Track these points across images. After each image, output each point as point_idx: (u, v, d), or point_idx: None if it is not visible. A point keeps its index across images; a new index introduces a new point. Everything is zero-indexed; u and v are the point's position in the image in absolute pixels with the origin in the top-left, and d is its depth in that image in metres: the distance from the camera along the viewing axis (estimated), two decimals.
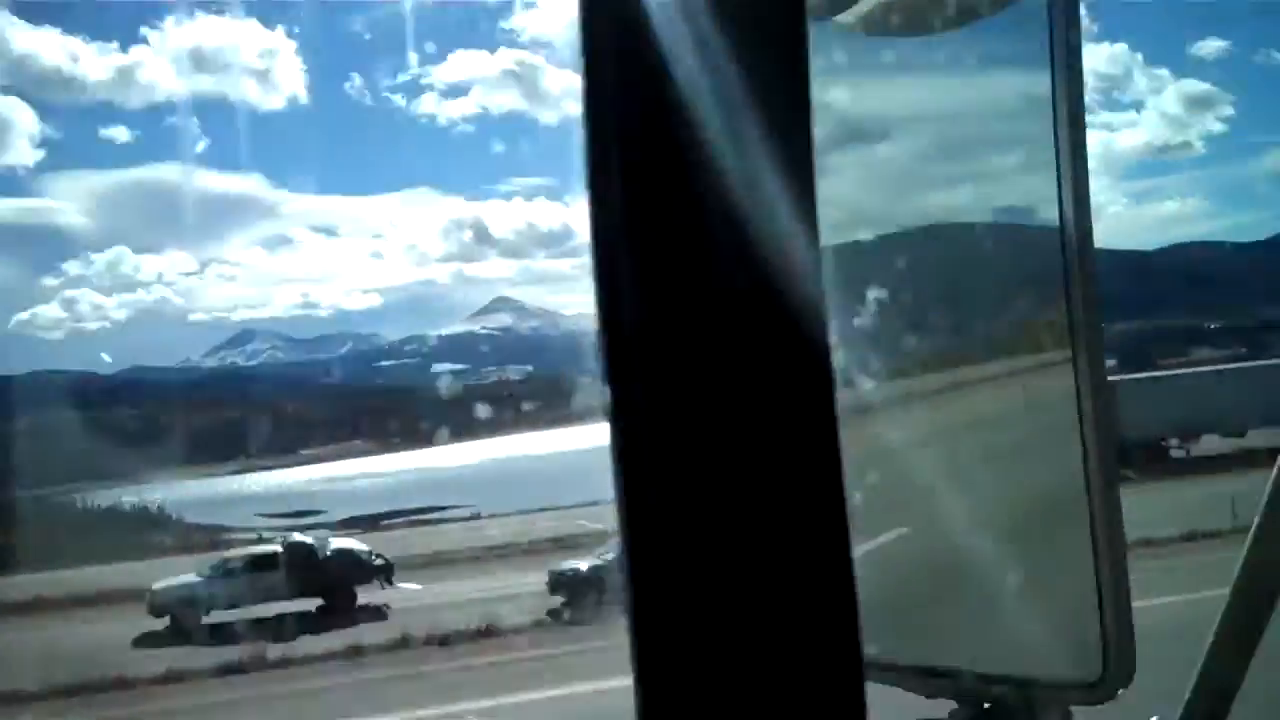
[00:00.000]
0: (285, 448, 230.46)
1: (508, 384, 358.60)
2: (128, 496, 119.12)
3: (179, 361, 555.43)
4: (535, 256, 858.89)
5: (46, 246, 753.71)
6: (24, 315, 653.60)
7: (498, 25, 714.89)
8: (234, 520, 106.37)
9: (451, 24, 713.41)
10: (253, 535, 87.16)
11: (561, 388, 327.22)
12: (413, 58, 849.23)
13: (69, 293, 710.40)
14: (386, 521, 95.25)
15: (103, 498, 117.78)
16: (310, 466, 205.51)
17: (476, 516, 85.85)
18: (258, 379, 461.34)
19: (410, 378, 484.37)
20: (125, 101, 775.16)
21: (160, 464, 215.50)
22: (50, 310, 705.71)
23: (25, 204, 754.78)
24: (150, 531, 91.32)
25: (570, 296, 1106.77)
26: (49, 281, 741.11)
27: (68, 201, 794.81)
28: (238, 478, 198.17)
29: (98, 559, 54.08)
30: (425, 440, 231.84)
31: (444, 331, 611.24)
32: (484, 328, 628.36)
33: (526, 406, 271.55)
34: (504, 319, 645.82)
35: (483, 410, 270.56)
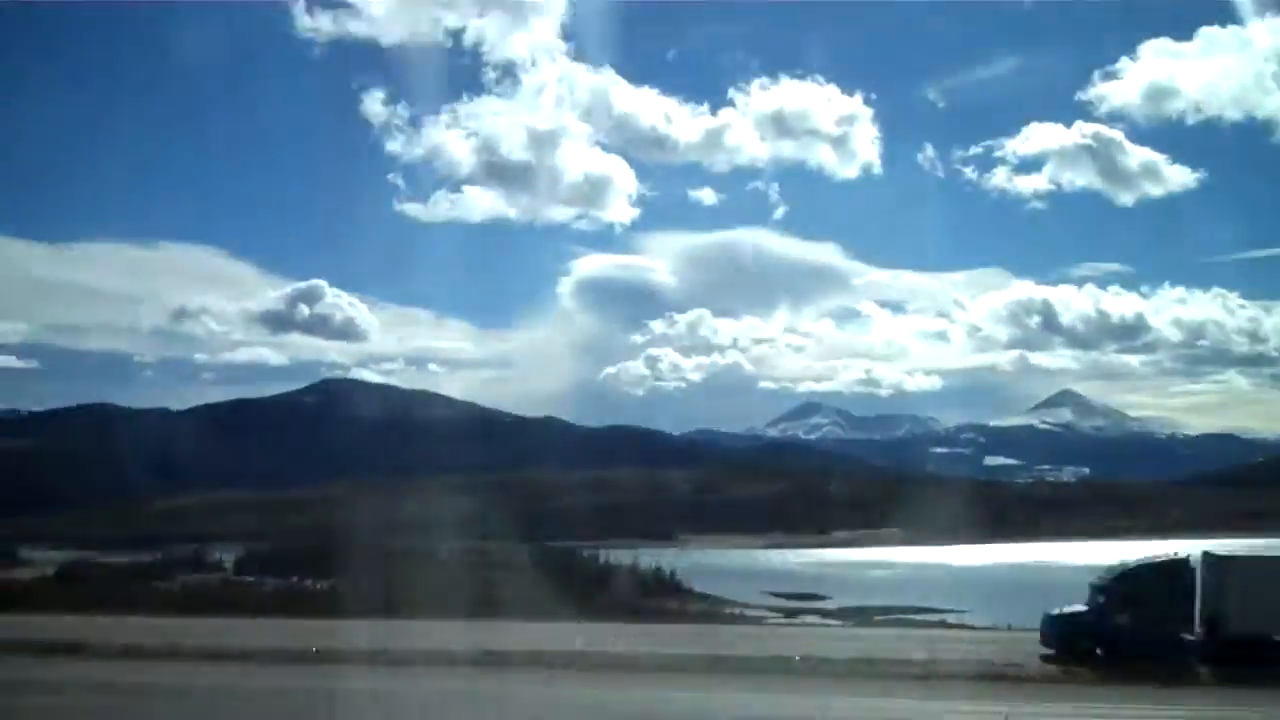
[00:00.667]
0: (821, 527, 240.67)
1: (1059, 486, 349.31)
2: (647, 557, 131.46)
3: (745, 428, 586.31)
4: (1104, 349, 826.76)
5: (637, 303, 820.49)
6: (612, 369, 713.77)
7: (1074, 96, 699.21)
8: (737, 594, 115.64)
9: (1026, 93, 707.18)
10: (736, 612, 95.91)
11: (1117, 495, 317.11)
12: (987, 129, 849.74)
13: (653, 350, 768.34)
14: (877, 616, 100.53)
15: (620, 555, 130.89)
16: (840, 550, 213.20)
17: (946, 624, 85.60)
18: (814, 453, 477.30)
19: (960, 467, 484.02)
20: (712, 164, 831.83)
21: (696, 529, 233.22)
22: (636, 366, 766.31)
23: (622, 260, 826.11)
24: (641, 596, 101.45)
25: (1139, 396, 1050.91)
26: (636, 338, 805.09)
27: (660, 259, 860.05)
28: (767, 552, 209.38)
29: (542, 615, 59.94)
30: (954, 535, 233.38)
31: (1002, 422, 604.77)
32: (1044, 422, 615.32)
33: (1072, 512, 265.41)
34: (1065, 415, 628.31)
35: (1024, 511, 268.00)
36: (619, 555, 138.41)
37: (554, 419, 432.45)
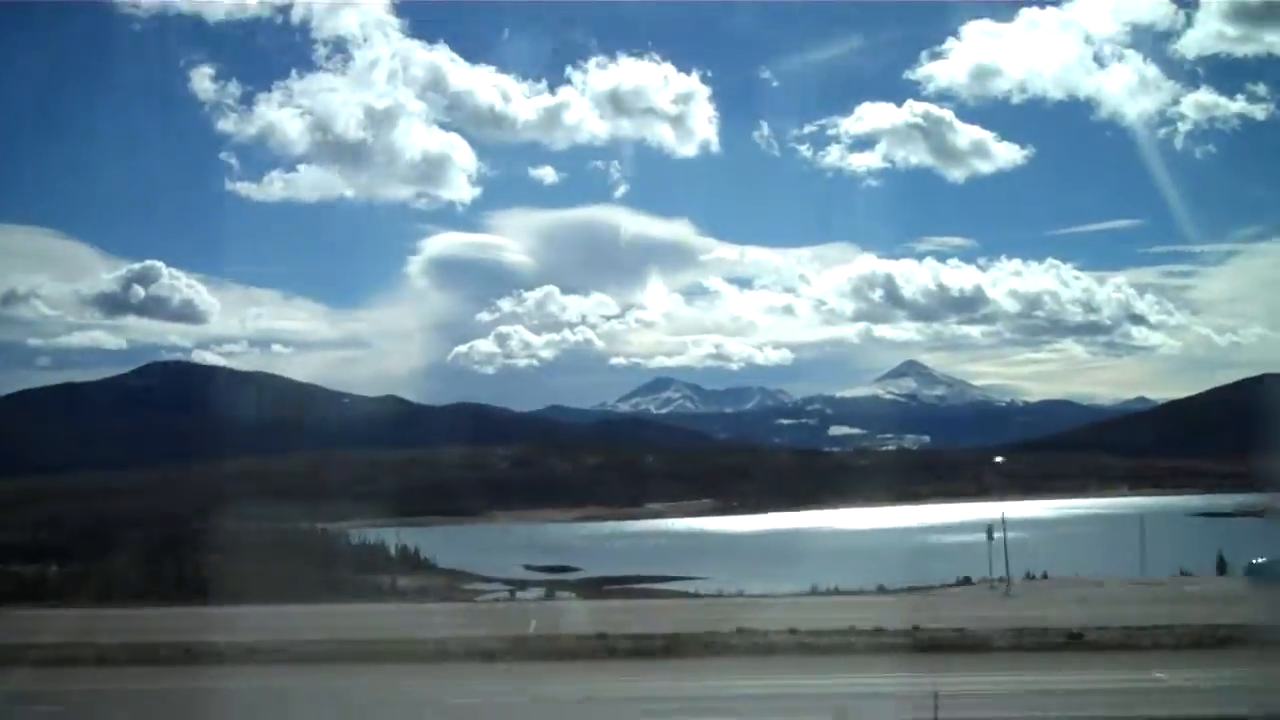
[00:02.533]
0: (634, 499, 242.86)
1: (899, 454, 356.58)
2: (431, 535, 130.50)
3: (596, 404, 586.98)
4: (945, 320, 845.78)
5: (487, 281, 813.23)
6: (463, 348, 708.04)
7: (903, 76, 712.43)
8: (495, 569, 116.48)
9: (857, 73, 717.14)
10: (473, 588, 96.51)
11: (954, 462, 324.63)
12: (820, 108, 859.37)
13: (503, 328, 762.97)
14: (610, 587, 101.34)
15: (389, 534, 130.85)
16: (647, 521, 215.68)
17: (696, 595, 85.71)
18: (659, 428, 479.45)
19: (806, 438, 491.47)
20: (551, 142, 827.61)
21: (511, 504, 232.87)
22: (486, 344, 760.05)
23: (472, 239, 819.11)
24: (399, 572, 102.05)
25: (982, 365, 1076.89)
26: (485, 316, 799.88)
27: (510, 237, 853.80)
28: (571, 525, 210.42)
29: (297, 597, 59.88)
30: (763, 505, 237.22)
31: (848, 393, 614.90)
32: (889, 392, 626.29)
33: (906, 479, 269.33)
34: (910, 384, 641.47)
35: (853, 479, 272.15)
36: (389, 534, 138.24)
37: (394, 398, 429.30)
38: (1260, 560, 50.01)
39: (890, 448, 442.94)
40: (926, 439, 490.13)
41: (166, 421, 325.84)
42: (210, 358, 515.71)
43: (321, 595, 70.78)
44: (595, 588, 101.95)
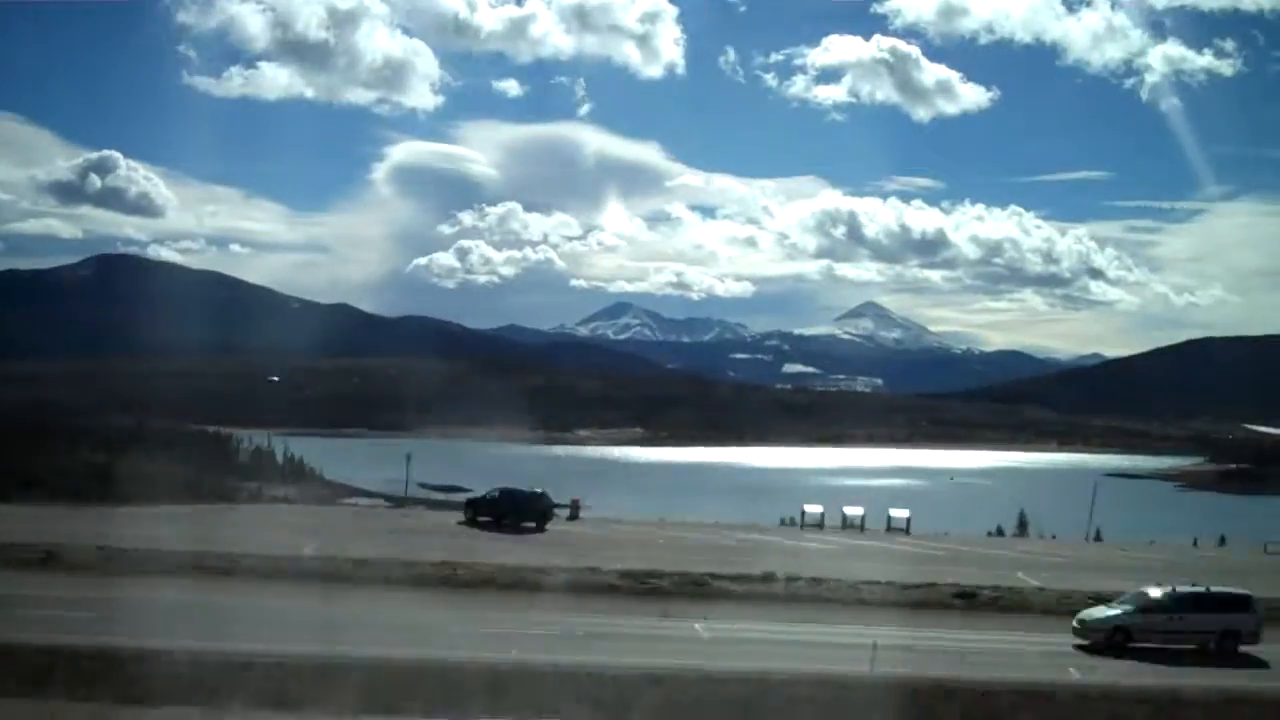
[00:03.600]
0: (568, 425, 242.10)
1: (837, 395, 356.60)
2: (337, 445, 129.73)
3: (555, 325, 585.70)
4: (907, 263, 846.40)
5: (449, 194, 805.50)
6: (423, 260, 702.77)
7: (870, 9, 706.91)
8: (381, 485, 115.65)
9: (823, 4, 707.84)
10: (349, 501, 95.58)
11: (891, 406, 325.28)
12: (787, 37, 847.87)
13: (464, 243, 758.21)
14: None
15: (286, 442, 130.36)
16: (574, 446, 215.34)
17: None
18: (616, 354, 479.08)
19: (760, 373, 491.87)
20: (516, 54, 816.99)
21: (443, 420, 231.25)
22: (446, 258, 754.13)
23: (437, 148, 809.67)
24: (279, 480, 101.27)
25: (942, 311, 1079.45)
26: (445, 229, 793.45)
27: (477, 150, 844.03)
28: (492, 445, 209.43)
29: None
30: (702, 439, 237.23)
31: (807, 331, 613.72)
32: (846, 332, 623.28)
33: (837, 421, 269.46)
34: (868, 325, 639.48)
35: (784, 418, 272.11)
36: (291, 443, 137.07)
37: (346, 306, 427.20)
38: None
39: (841, 388, 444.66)
40: (879, 382, 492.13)
41: (104, 315, 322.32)
42: (166, 254, 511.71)
43: (181, 498, 69.55)
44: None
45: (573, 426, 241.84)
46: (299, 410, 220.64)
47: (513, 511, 50.20)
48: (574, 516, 55.06)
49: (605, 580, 35.58)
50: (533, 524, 49.37)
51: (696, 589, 34.95)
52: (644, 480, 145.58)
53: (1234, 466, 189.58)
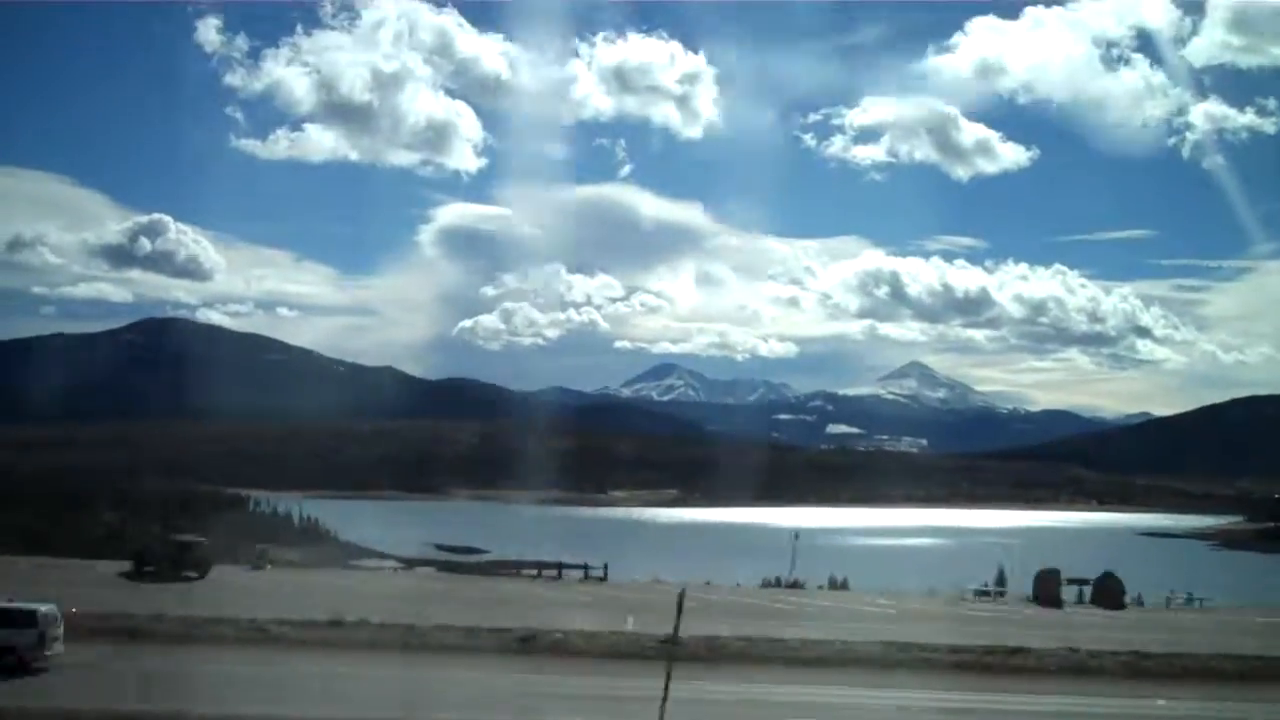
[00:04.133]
0: (600, 486, 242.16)
1: (878, 455, 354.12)
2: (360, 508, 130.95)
3: (598, 387, 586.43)
4: (950, 322, 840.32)
5: (493, 257, 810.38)
6: (468, 322, 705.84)
7: (908, 68, 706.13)
8: (398, 548, 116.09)
9: (862, 63, 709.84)
10: (356, 563, 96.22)
11: (931, 467, 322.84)
12: (825, 97, 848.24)
13: (509, 305, 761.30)
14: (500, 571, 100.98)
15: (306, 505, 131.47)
16: (605, 508, 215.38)
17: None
18: (658, 416, 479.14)
19: (804, 434, 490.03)
20: (558, 115, 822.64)
21: (473, 482, 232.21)
22: (491, 320, 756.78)
23: (483, 210, 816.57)
24: (293, 542, 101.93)
25: (988, 371, 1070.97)
26: (489, 291, 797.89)
27: (519, 212, 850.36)
28: (525, 507, 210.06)
29: None
30: (736, 499, 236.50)
31: (851, 391, 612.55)
32: (890, 392, 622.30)
33: (875, 481, 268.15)
34: (912, 385, 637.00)
35: (821, 478, 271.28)
36: (314, 506, 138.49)
37: (391, 369, 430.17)
38: None
39: (884, 449, 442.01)
40: (924, 442, 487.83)
41: (149, 379, 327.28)
42: (216, 317, 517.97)
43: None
44: (483, 570, 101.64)
45: (607, 488, 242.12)
46: (327, 472, 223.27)
47: (170, 561, 50.82)
48: (258, 567, 57.48)
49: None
50: (194, 574, 49.91)
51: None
52: (659, 539, 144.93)
53: (1271, 525, 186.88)
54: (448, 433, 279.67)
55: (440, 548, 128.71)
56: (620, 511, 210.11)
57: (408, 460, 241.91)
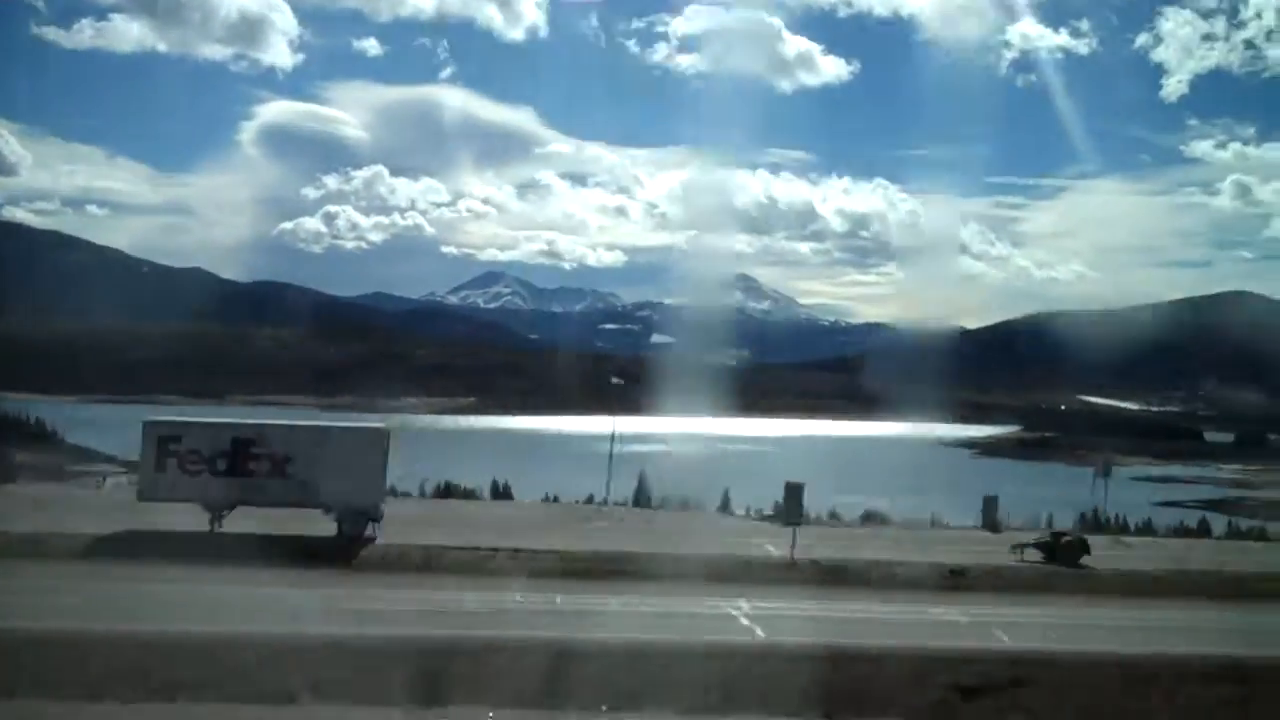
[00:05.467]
0: (390, 393, 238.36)
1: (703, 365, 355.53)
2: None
3: (424, 293, 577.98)
4: (776, 235, 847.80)
5: (316, 157, 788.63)
6: (289, 225, 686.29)
7: None
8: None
9: None
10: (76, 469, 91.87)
11: (757, 379, 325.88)
12: (649, 3, 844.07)
13: (331, 208, 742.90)
14: None
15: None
16: (391, 415, 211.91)
17: None
18: (481, 324, 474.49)
19: (628, 344, 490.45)
20: (376, 12, 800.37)
21: (259, 389, 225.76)
22: (313, 223, 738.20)
23: (306, 109, 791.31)
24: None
25: (814, 284, 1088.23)
26: (310, 192, 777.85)
27: (347, 111, 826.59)
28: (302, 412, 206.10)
29: None
30: (533, 408, 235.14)
31: (676, 301, 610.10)
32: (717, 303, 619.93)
33: (669, 389, 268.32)
34: (738, 296, 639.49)
35: (615, 387, 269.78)
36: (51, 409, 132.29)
37: (201, 270, 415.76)
38: None
39: (706, 359, 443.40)
40: (745, 353, 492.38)
41: None
42: (20, 214, 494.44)
43: None
44: None
45: (400, 395, 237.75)
46: (107, 376, 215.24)
47: None
48: None
49: None
50: None
51: None
52: (427, 445, 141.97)
53: (1039, 435, 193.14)
54: (245, 337, 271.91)
55: None
56: (402, 418, 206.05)
57: (196, 365, 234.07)
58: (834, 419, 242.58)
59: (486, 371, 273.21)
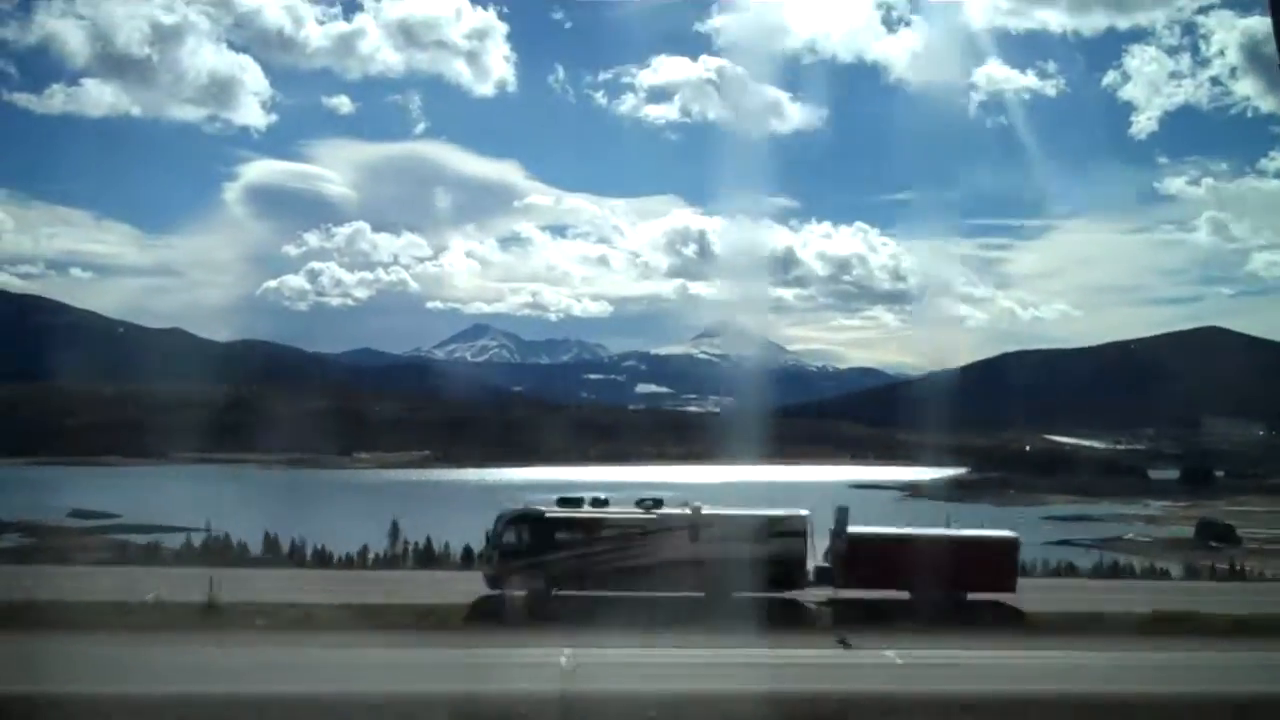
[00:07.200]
0: (345, 448, 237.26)
1: (648, 414, 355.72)
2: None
3: (410, 349, 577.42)
4: (755, 281, 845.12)
5: (293, 214, 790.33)
6: (273, 282, 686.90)
7: (693, 28, 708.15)
8: (32, 514, 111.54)
9: (649, 22, 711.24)
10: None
11: (741, 425, 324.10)
12: (615, 56, 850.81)
13: (315, 264, 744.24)
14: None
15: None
16: (335, 470, 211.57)
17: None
18: (463, 378, 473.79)
19: (613, 394, 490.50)
20: (345, 70, 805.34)
21: (204, 445, 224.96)
22: (297, 280, 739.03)
23: (282, 167, 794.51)
24: None
25: (801, 330, 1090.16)
26: (291, 250, 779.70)
27: (332, 170, 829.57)
28: (246, 470, 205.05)
29: None
30: (499, 460, 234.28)
31: (664, 350, 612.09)
32: (703, 351, 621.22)
33: (635, 438, 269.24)
34: (722, 344, 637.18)
35: (580, 437, 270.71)
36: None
37: (179, 330, 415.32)
38: None
39: (694, 408, 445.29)
40: (730, 400, 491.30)
41: None
42: (2, 278, 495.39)
43: None
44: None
45: (354, 450, 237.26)
46: (53, 438, 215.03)
47: None
48: None
49: None
50: None
51: None
52: (351, 500, 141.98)
53: (975, 476, 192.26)
54: (202, 396, 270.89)
55: (76, 513, 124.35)
56: (347, 474, 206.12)
57: (141, 424, 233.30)
58: (795, 464, 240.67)
59: (450, 426, 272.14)
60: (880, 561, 38.04)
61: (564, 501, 38.92)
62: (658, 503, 38.15)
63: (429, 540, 74.78)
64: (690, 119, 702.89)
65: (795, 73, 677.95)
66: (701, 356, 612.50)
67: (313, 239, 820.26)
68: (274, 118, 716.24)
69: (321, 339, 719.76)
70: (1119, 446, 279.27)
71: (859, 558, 38.11)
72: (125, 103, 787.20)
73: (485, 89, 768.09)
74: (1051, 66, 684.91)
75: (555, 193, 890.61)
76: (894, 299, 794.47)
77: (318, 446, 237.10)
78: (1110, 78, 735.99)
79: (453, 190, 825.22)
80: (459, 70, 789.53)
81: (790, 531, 38.18)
